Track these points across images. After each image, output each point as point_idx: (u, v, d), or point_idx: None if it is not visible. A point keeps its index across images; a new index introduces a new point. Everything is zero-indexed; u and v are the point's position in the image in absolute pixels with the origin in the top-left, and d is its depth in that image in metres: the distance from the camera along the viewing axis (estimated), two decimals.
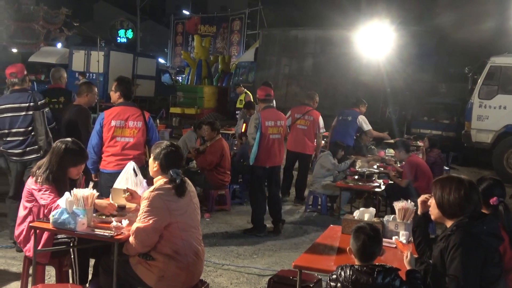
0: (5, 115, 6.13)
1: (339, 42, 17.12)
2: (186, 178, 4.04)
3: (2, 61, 24.63)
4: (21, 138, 6.16)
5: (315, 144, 9.44)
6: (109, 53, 20.66)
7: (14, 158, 6.22)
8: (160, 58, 31.74)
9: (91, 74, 19.88)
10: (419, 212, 3.62)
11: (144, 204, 3.87)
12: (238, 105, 14.48)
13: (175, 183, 3.90)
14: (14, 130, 6.15)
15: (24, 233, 4.36)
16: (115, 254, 3.90)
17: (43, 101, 6.33)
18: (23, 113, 6.15)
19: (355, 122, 10.02)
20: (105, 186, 5.42)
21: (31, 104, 6.16)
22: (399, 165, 8.75)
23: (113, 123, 5.65)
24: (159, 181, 3.99)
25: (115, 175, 5.13)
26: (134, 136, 5.68)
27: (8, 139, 6.19)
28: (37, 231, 4.13)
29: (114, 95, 5.88)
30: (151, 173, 4.14)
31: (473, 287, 3.06)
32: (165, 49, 35.83)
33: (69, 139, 4.54)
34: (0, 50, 28.63)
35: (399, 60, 15.30)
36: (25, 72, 6.40)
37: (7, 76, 6.33)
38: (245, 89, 14.29)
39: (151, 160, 4.12)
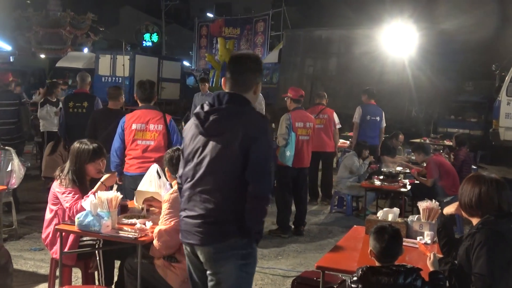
0: None
1: (363, 42, 16.97)
2: None
3: (29, 66, 25.14)
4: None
5: (334, 141, 9.45)
6: (135, 57, 20.82)
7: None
8: (185, 61, 31.89)
9: (117, 78, 20.07)
10: (444, 213, 3.58)
11: (165, 207, 3.91)
12: None
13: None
14: None
15: (50, 235, 4.44)
16: (139, 256, 3.93)
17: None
18: None
19: (382, 120, 9.93)
20: (128, 189, 5.50)
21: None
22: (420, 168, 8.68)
23: (134, 126, 5.71)
24: (176, 184, 4.03)
25: (137, 177, 5.22)
26: (155, 139, 5.71)
27: None
28: (63, 233, 4.19)
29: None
30: (169, 180, 4.22)
31: (500, 285, 3.01)
32: (190, 52, 35.98)
33: (85, 139, 4.66)
34: (28, 56, 29.18)
35: (424, 59, 15.12)
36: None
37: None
38: None
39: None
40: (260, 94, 11.61)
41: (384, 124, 10.00)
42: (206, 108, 3.15)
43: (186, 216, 3.18)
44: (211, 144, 3.09)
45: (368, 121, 9.78)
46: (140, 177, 5.00)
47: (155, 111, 5.86)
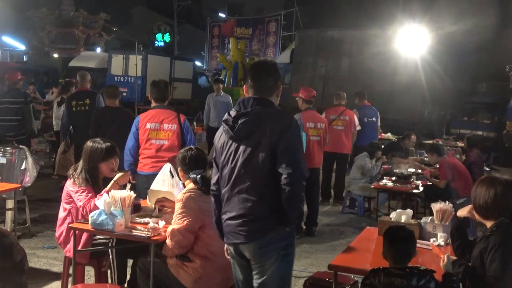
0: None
1: (375, 42, 16.90)
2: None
3: (43, 65, 25.34)
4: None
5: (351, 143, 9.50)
6: (147, 57, 20.88)
7: None
8: (197, 61, 31.95)
9: (129, 78, 20.16)
10: (458, 215, 3.56)
11: (178, 206, 3.92)
12: None
13: (197, 183, 3.95)
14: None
15: (64, 234, 4.46)
16: (152, 255, 3.95)
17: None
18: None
19: (378, 120, 10.11)
20: (141, 188, 5.51)
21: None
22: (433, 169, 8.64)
23: (148, 125, 5.74)
24: (190, 184, 4.05)
25: (150, 177, 5.23)
26: (169, 139, 5.74)
27: None
28: (76, 232, 4.22)
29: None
30: (182, 181, 4.24)
31: None
32: (202, 52, 36.08)
33: (98, 138, 4.67)
34: (42, 55, 29.41)
35: (437, 60, 15.03)
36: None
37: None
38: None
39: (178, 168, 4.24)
40: None
41: (379, 123, 10.21)
42: (233, 113, 3.35)
43: (228, 218, 3.38)
44: (242, 146, 3.30)
45: (366, 123, 9.90)
46: (153, 176, 5.02)
47: (169, 111, 5.89)
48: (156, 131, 5.75)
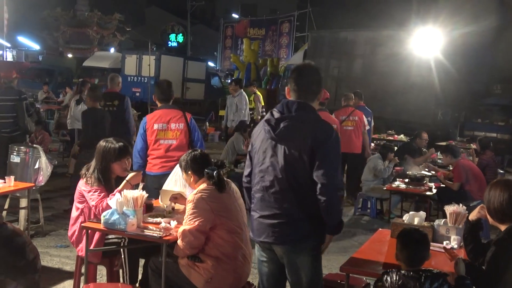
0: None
1: (389, 43, 16.83)
2: (223, 176, 4.07)
3: (57, 65, 25.51)
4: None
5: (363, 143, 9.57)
6: (160, 57, 20.95)
7: None
8: (210, 62, 32.03)
9: (142, 78, 20.24)
10: (470, 218, 3.53)
11: (189, 207, 3.92)
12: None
13: (213, 178, 3.95)
14: None
15: (76, 233, 4.48)
16: (164, 255, 3.95)
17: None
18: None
19: (372, 120, 10.27)
20: (151, 188, 5.47)
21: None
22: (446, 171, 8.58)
23: (155, 126, 5.76)
24: (201, 185, 4.04)
25: (160, 177, 5.26)
26: (177, 138, 5.76)
27: None
28: (89, 231, 4.23)
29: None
30: (191, 187, 4.22)
31: None
32: (215, 53, 36.17)
33: (111, 138, 4.70)
34: (56, 55, 29.62)
35: (451, 61, 14.91)
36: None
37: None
38: (256, 89, 13.99)
39: (184, 176, 4.22)
40: (243, 92, 11.93)
41: (373, 123, 10.47)
42: (276, 115, 3.42)
43: (260, 217, 3.51)
44: (282, 148, 3.37)
45: None
46: (163, 176, 5.05)
47: (175, 110, 5.91)
48: (164, 131, 5.77)
